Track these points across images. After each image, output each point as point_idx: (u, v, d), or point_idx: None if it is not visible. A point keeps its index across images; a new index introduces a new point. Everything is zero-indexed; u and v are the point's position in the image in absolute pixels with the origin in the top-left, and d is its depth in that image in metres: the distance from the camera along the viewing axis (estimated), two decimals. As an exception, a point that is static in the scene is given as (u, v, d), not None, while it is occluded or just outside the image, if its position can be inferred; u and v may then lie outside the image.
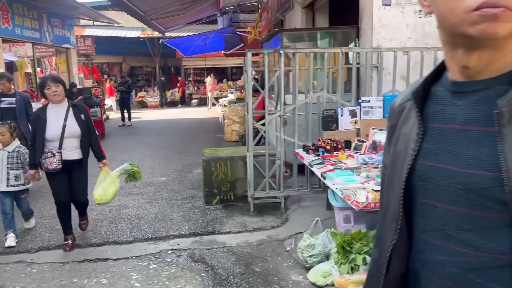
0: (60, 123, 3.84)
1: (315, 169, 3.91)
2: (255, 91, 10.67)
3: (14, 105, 5.70)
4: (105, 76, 23.72)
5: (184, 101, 21.77)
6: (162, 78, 22.19)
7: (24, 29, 11.23)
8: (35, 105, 11.16)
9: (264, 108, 7.64)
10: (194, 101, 22.31)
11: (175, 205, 5.25)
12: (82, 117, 3.94)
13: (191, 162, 7.76)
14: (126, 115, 13.74)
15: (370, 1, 4.92)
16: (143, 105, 21.39)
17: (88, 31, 21.02)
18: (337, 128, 4.64)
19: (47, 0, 11.59)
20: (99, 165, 4.21)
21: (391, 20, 4.88)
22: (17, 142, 4.33)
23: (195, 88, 23.67)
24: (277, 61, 4.57)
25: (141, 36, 21.59)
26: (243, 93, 16.49)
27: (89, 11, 13.50)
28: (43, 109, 3.95)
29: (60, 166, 3.82)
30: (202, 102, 22.07)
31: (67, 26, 14.47)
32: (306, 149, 4.42)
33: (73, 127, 3.89)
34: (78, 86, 15.11)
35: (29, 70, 12.90)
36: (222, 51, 19.90)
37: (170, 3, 11.51)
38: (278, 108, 4.94)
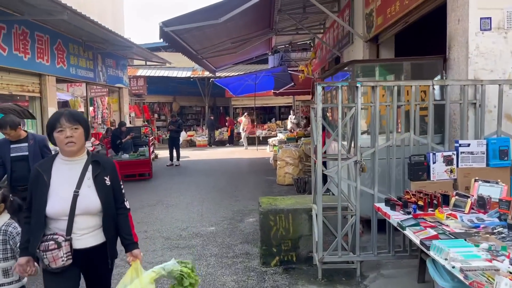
0: (70, 191, 2.35)
1: (409, 234, 3.01)
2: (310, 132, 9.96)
3: (27, 153, 4.55)
4: (156, 115, 24.08)
5: (233, 141, 21.43)
6: (211, 118, 22.12)
7: (79, 68, 11.35)
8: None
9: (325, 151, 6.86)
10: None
11: (226, 265, 4.46)
12: (107, 180, 2.46)
13: (242, 209, 7.01)
14: (174, 154, 13.38)
15: (463, 26, 4.11)
16: (191, 144, 21.25)
17: (141, 72, 21.56)
18: (428, 178, 3.74)
19: (102, 41, 11.73)
20: (127, 257, 2.54)
21: (492, 48, 4.03)
22: (5, 218, 2.85)
23: (243, 127, 23.37)
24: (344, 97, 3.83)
25: (191, 76, 21.82)
26: (292, 132, 15.81)
27: (142, 51, 13.62)
28: (47, 164, 2.45)
29: (70, 261, 2.33)
30: (250, 142, 21.63)
31: (120, 66, 14.69)
32: (391, 204, 3.54)
33: (90, 199, 2.38)
34: (129, 125, 15.14)
35: (82, 109, 13.00)
36: (272, 90, 19.57)
37: (221, 41, 11.28)
38: (351, 152, 4.14)
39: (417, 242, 2.87)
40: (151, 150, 12.53)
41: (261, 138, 21.01)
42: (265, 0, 8.60)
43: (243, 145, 21.34)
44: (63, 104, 15.79)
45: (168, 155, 13.48)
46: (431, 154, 3.74)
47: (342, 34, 9.78)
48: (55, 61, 10.04)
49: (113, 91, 15.08)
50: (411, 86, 3.76)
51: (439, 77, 4.63)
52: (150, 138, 12.92)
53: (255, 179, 10.19)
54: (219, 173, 11.51)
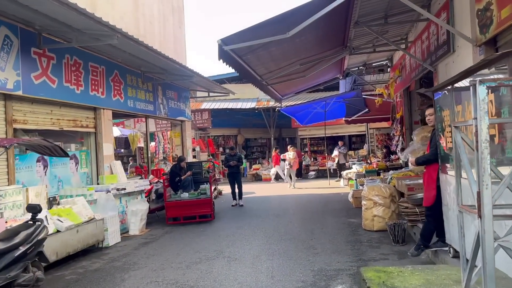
0: None
1: None
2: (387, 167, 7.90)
3: None
4: (221, 149, 23.27)
5: (301, 174, 19.77)
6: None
7: (137, 101, 10.59)
8: (142, 182, 10.12)
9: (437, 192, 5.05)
10: (312, 173, 20.24)
11: None
12: None
13: (324, 268, 5.36)
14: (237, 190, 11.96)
15: None
16: (257, 178, 19.98)
17: (205, 105, 20.99)
18: None
19: (161, 71, 10.98)
20: None
21: None
22: None
23: (312, 159, 21.71)
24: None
25: (256, 106, 20.83)
26: (371, 164, 13.88)
27: (203, 80, 12.72)
28: None
29: None
30: (320, 174, 19.84)
31: (182, 98, 13.94)
32: None
33: None
34: (193, 160, 14.19)
35: (141, 144, 12.27)
36: (343, 118, 17.86)
37: (289, 63, 9.99)
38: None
39: None
40: (213, 187, 11.33)
41: (331, 171, 19.18)
42: (340, 9, 7.17)
43: (312, 177, 19.63)
44: (126, 140, 15.35)
45: (231, 193, 12.06)
46: None
47: (436, 44, 8.01)
48: (111, 94, 9.32)
49: (175, 124, 14.33)
50: None
51: None
52: (212, 174, 11.72)
53: (334, 222, 8.47)
54: (289, 214, 9.93)
